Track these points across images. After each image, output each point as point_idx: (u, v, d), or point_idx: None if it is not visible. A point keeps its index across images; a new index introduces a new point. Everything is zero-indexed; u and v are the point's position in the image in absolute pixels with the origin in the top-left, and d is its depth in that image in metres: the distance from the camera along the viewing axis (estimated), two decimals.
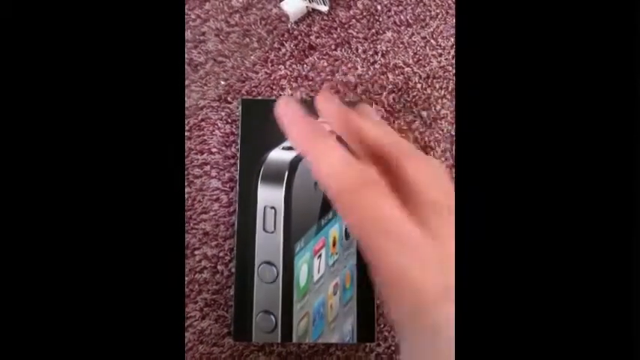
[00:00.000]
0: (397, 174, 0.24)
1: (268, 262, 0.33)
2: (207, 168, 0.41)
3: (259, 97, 0.40)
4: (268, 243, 0.32)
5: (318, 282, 0.33)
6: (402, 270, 0.21)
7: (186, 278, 0.40)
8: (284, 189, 0.31)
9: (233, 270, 0.40)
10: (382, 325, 0.38)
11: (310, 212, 0.32)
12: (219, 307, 0.39)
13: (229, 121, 0.42)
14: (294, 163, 0.31)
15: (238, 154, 0.34)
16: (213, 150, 0.42)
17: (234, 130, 0.42)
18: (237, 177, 0.34)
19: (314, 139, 0.24)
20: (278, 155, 0.32)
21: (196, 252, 0.40)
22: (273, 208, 0.31)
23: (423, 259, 0.21)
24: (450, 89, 0.44)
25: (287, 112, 0.26)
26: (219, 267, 0.40)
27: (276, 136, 0.32)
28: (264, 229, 0.32)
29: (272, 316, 0.33)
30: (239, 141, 0.34)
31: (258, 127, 0.35)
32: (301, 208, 0.32)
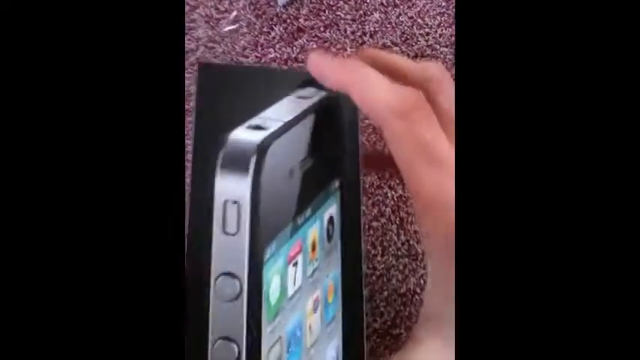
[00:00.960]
0: (430, 101, 0.23)
1: (229, 274, 0.22)
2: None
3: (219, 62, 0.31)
4: (229, 248, 0.22)
5: (294, 297, 0.25)
6: (439, 187, 0.21)
7: None
8: (250, 178, 0.21)
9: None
10: (374, 345, 0.35)
11: (284, 208, 0.24)
12: None
13: None
14: (264, 146, 0.22)
15: (191, 134, 0.25)
16: None
17: None
18: (190, 164, 0.25)
19: (354, 71, 0.23)
20: (243, 135, 0.22)
21: None
22: (235, 202, 0.22)
23: None
24: None
25: (319, 60, 0.25)
26: None
27: (241, 113, 0.23)
28: (223, 231, 0.22)
29: (234, 345, 0.22)
30: (192, 118, 0.25)
31: (219, 99, 0.26)
32: (272, 202, 0.23)
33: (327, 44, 0.45)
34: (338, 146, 0.25)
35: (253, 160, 0.21)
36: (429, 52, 0.45)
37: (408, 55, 0.45)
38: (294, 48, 0.44)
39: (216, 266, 0.22)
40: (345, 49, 0.44)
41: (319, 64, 0.24)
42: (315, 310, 0.26)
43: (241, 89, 0.25)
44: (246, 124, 0.23)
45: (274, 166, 0.22)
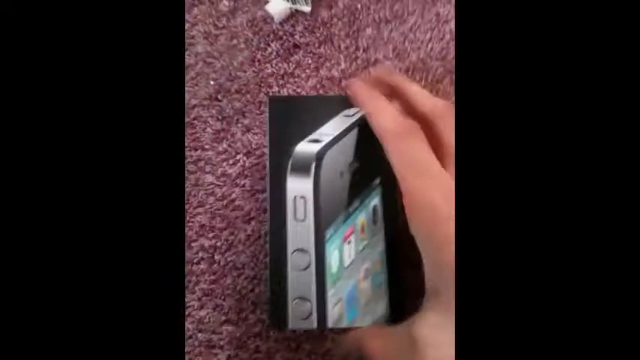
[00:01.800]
0: (434, 133, 0.30)
1: (301, 250, 0.33)
2: (202, 164, 0.42)
3: (284, 94, 0.43)
4: (300, 231, 0.33)
5: (349, 267, 0.34)
6: (424, 193, 0.26)
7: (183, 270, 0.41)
8: (312, 179, 0.31)
9: (230, 259, 0.41)
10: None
11: (338, 201, 0.33)
12: (217, 295, 0.40)
13: (219, 118, 0.43)
14: (321, 154, 0.32)
15: (267, 150, 0.34)
16: (206, 146, 0.43)
17: (224, 127, 0.43)
18: (267, 170, 0.33)
19: (372, 99, 0.32)
20: (305, 148, 0.32)
21: (193, 244, 0.41)
22: (302, 197, 0.32)
23: (442, 188, 0.26)
24: (429, 80, 0.46)
25: (355, 86, 0.34)
26: (216, 257, 0.41)
27: (302, 131, 0.33)
28: (294, 218, 0.33)
29: (308, 303, 0.33)
30: (267, 137, 0.34)
31: (285, 122, 0.34)
32: (329, 196, 0.32)
33: (321, 60, 0.46)
34: (376, 151, 0.30)
35: (313, 165, 0.31)
36: (420, 65, 0.46)
37: (400, 69, 0.46)
38: (290, 64, 0.45)
39: (291, 244, 0.33)
40: (340, 64, 0.46)
41: (352, 90, 0.34)
42: (366, 277, 0.34)
43: (301, 114, 0.34)
44: (307, 139, 0.33)
45: (329, 169, 0.32)
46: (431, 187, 0.26)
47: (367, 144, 0.33)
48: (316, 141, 0.32)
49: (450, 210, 0.25)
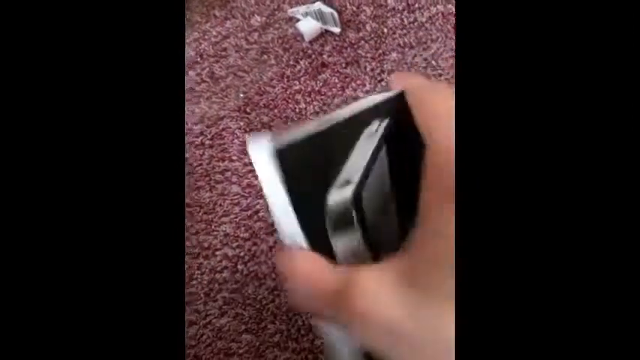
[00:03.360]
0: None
1: None
2: (228, 174, 0.43)
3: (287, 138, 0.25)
4: None
5: None
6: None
7: (206, 278, 0.41)
8: (358, 230, 0.24)
9: (252, 269, 0.41)
10: None
11: (393, 236, 0.25)
12: (238, 305, 0.40)
13: (247, 130, 0.44)
14: (357, 197, 0.24)
15: (288, 208, 0.24)
16: (234, 157, 0.43)
17: None
18: (291, 233, 0.24)
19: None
20: (337, 196, 0.24)
21: (217, 252, 0.41)
22: (357, 256, 0.25)
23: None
24: None
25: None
26: (239, 266, 0.41)
27: (325, 173, 0.24)
28: None
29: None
30: (286, 196, 0.24)
31: (299, 170, 0.25)
32: (384, 235, 0.25)
33: (348, 79, 0.46)
34: (418, 161, 0.24)
35: (354, 214, 0.23)
36: None
37: None
38: (318, 82, 0.46)
39: None
40: (365, 85, 0.46)
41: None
42: None
43: (317, 153, 0.24)
44: (335, 184, 0.24)
45: (372, 207, 0.24)
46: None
47: (403, 160, 0.25)
48: (348, 181, 0.24)
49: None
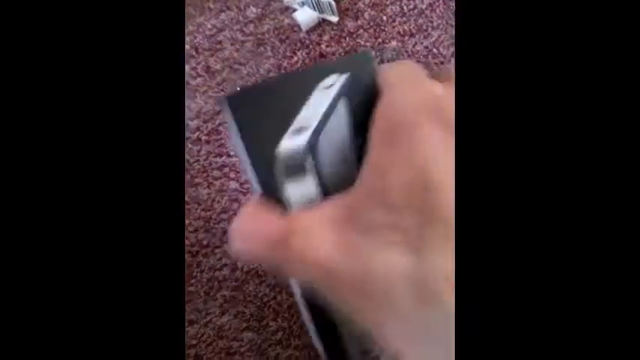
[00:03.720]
0: None
1: None
2: (226, 170, 0.42)
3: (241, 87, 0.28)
4: None
5: None
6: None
7: (206, 276, 0.40)
8: (313, 177, 0.23)
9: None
10: None
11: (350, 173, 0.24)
12: (239, 303, 0.40)
13: None
14: (313, 144, 0.23)
15: (247, 158, 0.25)
16: (231, 153, 0.42)
17: None
18: (255, 183, 0.24)
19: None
20: (291, 142, 0.24)
21: (216, 250, 0.40)
22: (310, 202, 0.24)
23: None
24: None
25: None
26: (238, 264, 0.40)
27: (281, 125, 0.24)
28: None
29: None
30: (240, 148, 0.24)
31: (256, 122, 0.25)
32: (339, 187, 0.24)
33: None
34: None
35: (309, 160, 0.23)
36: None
37: None
38: None
39: None
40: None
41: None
42: None
43: (271, 102, 0.25)
44: (289, 130, 0.24)
45: (328, 157, 0.24)
46: (416, 88, 0.20)
47: (363, 114, 0.25)
48: (301, 130, 0.24)
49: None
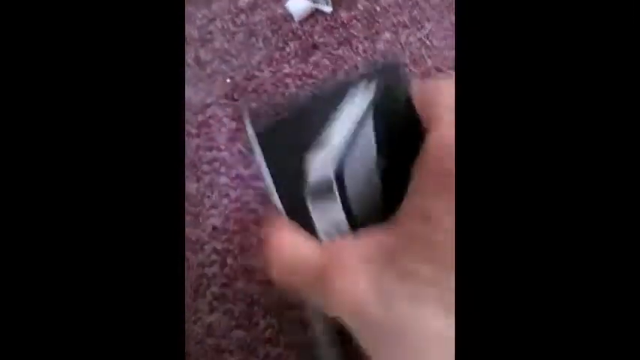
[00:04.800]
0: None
1: None
2: (217, 164, 0.40)
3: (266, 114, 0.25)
4: None
5: None
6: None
7: (194, 273, 0.39)
8: (340, 203, 0.22)
9: (242, 263, 0.39)
10: None
11: (377, 208, 0.23)
12: (228, 300, 0.39)
13: (235, 117, 0.41)
14: (339, 167, 0.22)
15: (271, 181, 0.23)
16: (222, 147, 0.41)
17: (240, 127, 0.41)
18: (280, 205, 0.23)
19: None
20: (317, 165, 0.22)
21: (205, 246, 0.39)
22: (337, 227, 0.23)
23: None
24: None
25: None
26: (228, 261, 0.39)
27: (305, 145, 0.23)
28: None
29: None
30: (266, 168, 0.23)
31: (280, 144, 0.24)
32: (366, 209, 0.23)
33: (340, 62, 0.44)
34: (408, 132, 0.23)
35: (336, 186, 0.22)
36: (435, 72, 0.45)
37: (416, 74, 0.45)
38: (308, 64, 0.43)
39: None
40: (358, 67, 0.44)
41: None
42: None
43: (298, 130, 0.23)
44: (316, 152, 0.23)
45: (355, 178, 0.23)
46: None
47: (392, 133, 0.24)
48: (328, 152, 0.23)
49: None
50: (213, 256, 0.39)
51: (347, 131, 0.23)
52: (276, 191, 0.23)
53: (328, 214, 0.22)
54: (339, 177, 0.22)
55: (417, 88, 0.23)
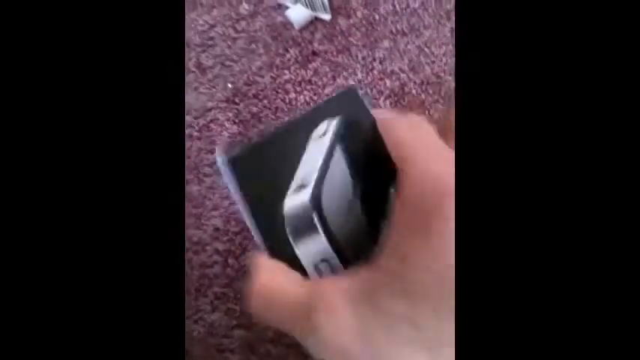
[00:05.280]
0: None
1: None
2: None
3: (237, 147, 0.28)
4: None
5: None
6: (430, 164, 0.20)
7: (196, 273, 0.40)
8: (322, 233, 0.21)
9: (243, 263, 0.40)
10: None
11: (361, 238, 0.23)
12: (229, 300, 0.39)
13: (236, 121, 0.42)
14: (317, 199, 0.22)
15: (251, 219, 0.25)
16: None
17: (241, 131, 0.42)
18: (260, 242, 0.24)
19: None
20: (295, 201, 0.22)
21: (207, 247, 0.40)
22: (324, 260, 0.22)
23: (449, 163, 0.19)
24: (442, 94, 0.45)
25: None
26: (229, 261, 0.39)
27: (279, 180, 0.24)
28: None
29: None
30: (245, 206, 0.24)
31: (255, 178, 0.25)
32: (351, 238, 0.23)
33: (339, 68, 0.45)
34: (378, 156, 0.23)
35: (316, 218, 0.21)
36: (433, 79, 0.46)
37: (415, 82, 0.46)
38: (308, 71, 0.44)
39: None
40: (356, 74, 0.45)
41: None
42: None
43: (269, 160, 0.25)
44: (290, 189, 0.23)
45: (334, 207, 0.22)
46: (437, 160, 0.20)
47: (361, 156, 0.25)
48: (302, 186, 0.23)
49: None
50: (215, 257, 0.40)
51: (319, 164, 0.23)
52: (257, 229, 0.23)
53: (314, 248, 0.22)
54: (318, 209, 0.21)
55: (379, 122, 0.23)
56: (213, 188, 0.41)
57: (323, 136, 0.24)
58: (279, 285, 0.21)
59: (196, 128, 0.42)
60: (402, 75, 0.45)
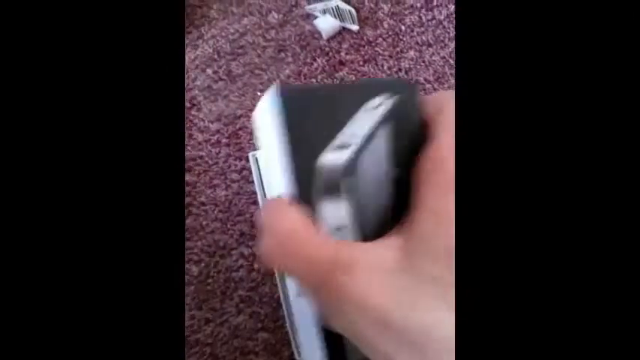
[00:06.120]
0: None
1: None
2: (245, 173, 0.42)
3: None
4: None
5: None
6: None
7: (222, 276, 0.40)
8: (344, 203, 0.21)
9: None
10: None
11: (383, 223, 0.23)
12: (254, 303, 0.40)
13: None
14: (351, 166, 0.21)
15: (285, 161, 0.23)
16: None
17: None
18: (288, 185, 0.22)
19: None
20: (331, 159, 0.21)
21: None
22: (339, 229, 0.21)
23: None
24: None
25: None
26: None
27: (323, 132, 0.22)
28: None
29: None
30: (282, 144, 0.22)
31: (302, 122, 0.23)
32: (372, 221, 0.22)
33: (365, 77, 0.45)
34: (416, 151, 0.22)
35: (344, 184, 0.21)
36: None
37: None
38: (335, 79, 0.45)
39: None
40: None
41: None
42: None
43: (320, 107, 0.23)
44: (333, 144, 0.22)
45: (365, 180, 0.22)
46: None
47: (402, 146, 0.24)
48: (342, 147, 0.22)
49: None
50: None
51: (364, 133, 0.22)
52: (291, 173, 0.22)
53: (333, 213, 0.21)
54: (350, 176, 0.21)
55: (424, 101, 0.23)
56: (240, 194, 0.41)
57: (376, 108, 0.24)
58: (309, 235, 0.19)
59: (225, 135, 0.43)
60: (428, 85, 0.46)
